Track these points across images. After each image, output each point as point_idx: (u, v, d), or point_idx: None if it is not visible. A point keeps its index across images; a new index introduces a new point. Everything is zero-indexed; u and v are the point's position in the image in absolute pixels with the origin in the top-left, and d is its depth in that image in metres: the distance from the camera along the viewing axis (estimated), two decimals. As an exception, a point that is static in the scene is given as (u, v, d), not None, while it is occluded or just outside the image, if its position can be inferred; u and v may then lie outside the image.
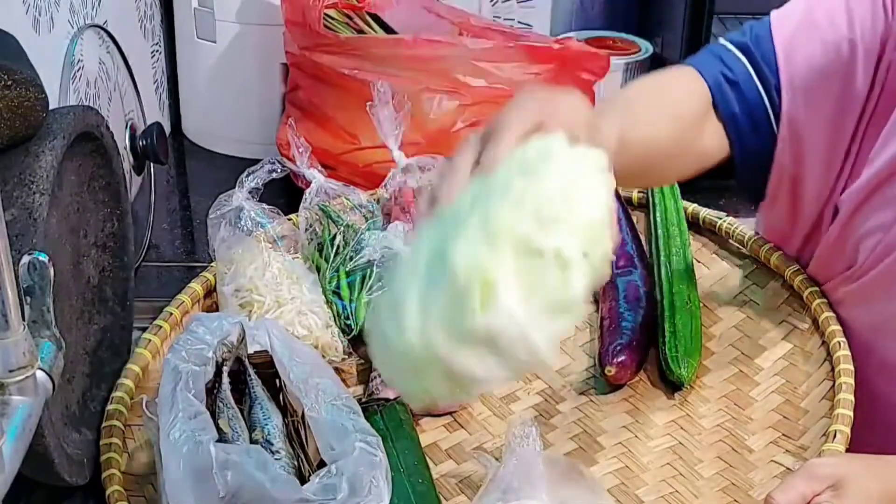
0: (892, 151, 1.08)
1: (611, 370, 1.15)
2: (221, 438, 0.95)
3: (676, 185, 1.33)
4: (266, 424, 0.99)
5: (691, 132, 1.14)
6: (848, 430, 1.02)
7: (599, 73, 1.59)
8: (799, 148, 1.14)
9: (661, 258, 1.26)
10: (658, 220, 1.31)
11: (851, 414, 1.04)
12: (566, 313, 0.80)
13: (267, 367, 1.04)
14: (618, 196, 1.31)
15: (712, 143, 1.15)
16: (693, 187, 1.39)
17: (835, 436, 1.01)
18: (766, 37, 1.15)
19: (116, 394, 1.10)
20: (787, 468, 1.05)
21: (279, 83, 1.73)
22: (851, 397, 1.05)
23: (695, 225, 1.32)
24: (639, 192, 1.37)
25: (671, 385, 1.17)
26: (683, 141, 1.14)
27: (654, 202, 1.33)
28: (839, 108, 1.12)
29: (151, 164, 1.53)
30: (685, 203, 1.33)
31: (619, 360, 1.15)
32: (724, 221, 1.31)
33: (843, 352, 1.11)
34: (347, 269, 1.21)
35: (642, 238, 1.34)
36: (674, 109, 1.14)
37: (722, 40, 1.18)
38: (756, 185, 1.19)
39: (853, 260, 1.13)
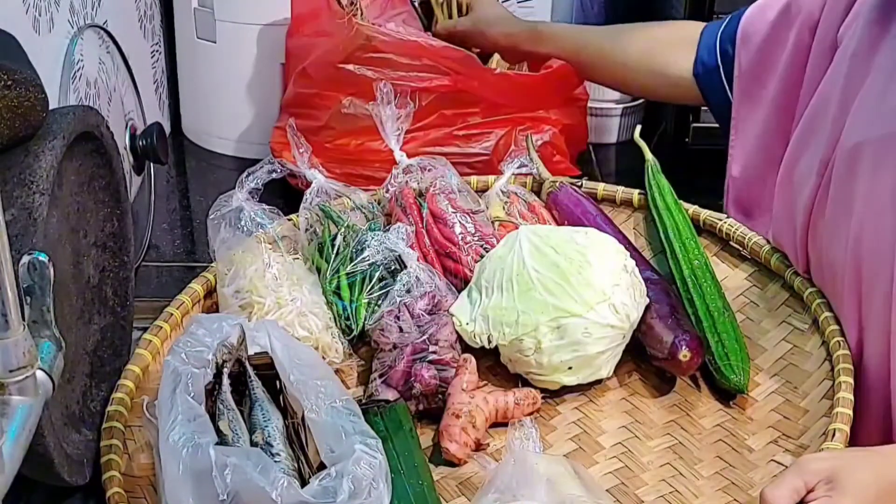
0: None
1: (687, 354, 1.13)
2: (221, 440, 0.95)
3: (674, 196, 1.33)
4: (266, 426, 0.99)
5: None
6: (847, 429, 1.02)
7: None
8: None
9: (685, 272, 1.24)
10: (671, 234, 1.29)
11: (851, 413, 1.04)
12: None
13: (267, 369, 1.04)
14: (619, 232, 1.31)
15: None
16: (693, 188, 1.39)
17: (834, 434, 1.01)
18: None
19: (116, 395, 1.10)
20: (787, 467, 1.05)
21: (279, 83, 1.73)
22: (851, 397, 1.06)
23: (695, 226, 1.31)
24: (639, 193, 1.36)
25: (670, 385, 1.17)
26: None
27: (658, 212, 1.32)
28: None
29: (151, 164, 1.53)
30: (685, 204, 1.33)
31: (691, 344, 1.14)
32: (725, 223, 1.31)
33: (843, 351, 1.11)
34: (348, 270, 1.20)
35: (643, 239, 1.35)
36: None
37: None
38: None
39: None
